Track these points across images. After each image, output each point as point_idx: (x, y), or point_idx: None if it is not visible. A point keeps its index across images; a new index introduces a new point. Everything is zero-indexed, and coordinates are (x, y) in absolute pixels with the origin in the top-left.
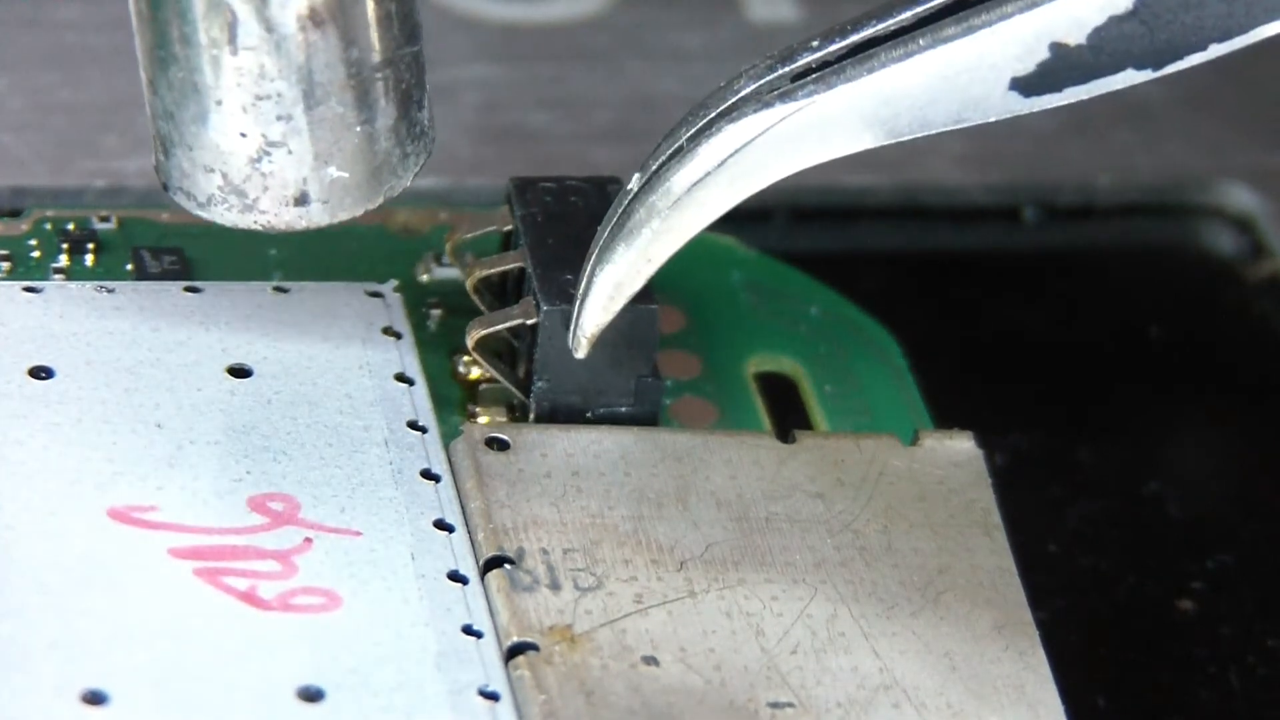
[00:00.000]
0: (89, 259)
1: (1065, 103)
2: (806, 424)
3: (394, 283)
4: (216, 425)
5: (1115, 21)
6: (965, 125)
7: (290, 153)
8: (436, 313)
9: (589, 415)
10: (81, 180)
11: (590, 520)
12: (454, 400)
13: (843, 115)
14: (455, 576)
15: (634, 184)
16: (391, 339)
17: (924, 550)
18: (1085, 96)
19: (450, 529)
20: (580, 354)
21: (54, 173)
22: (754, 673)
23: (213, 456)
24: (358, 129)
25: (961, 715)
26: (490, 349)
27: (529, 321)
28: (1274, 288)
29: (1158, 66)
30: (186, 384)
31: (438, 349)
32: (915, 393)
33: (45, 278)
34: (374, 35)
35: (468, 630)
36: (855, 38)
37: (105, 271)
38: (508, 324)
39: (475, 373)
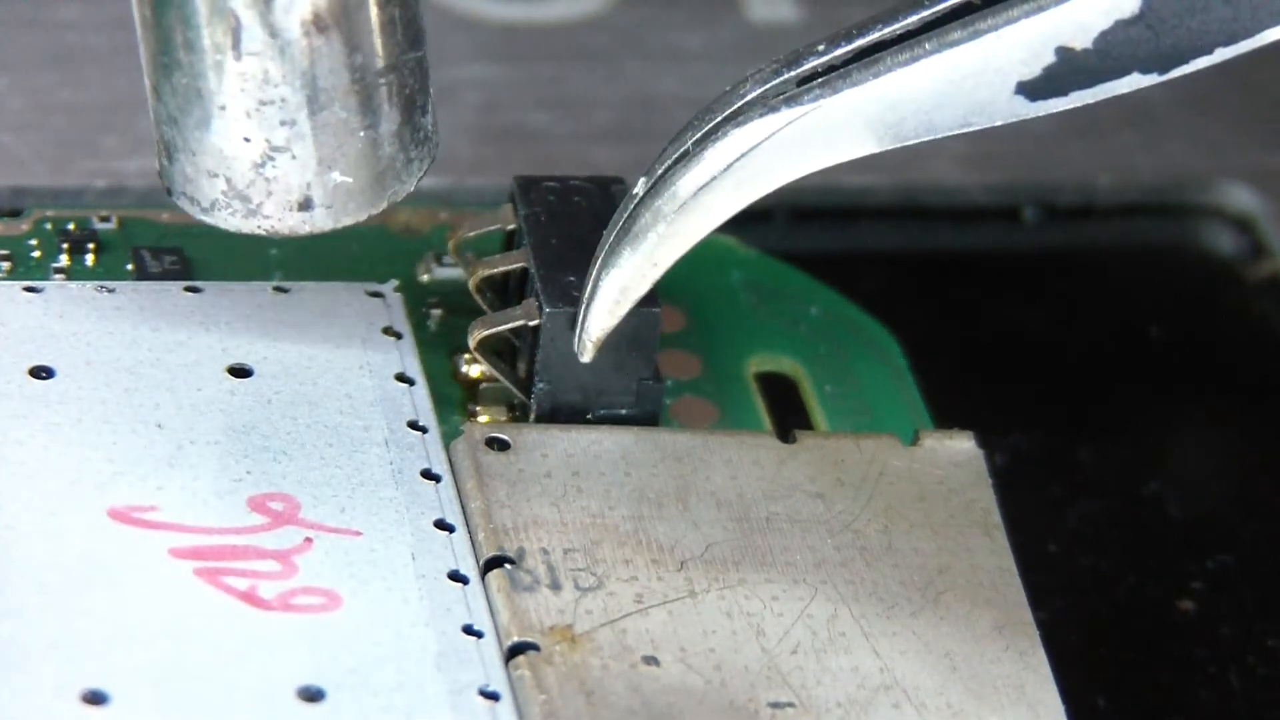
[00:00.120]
0: (89, 259)
1: (1071, 107)
2: (807, 424)
3: (394, 283)
4: (216, 425)
5: (1121, 26)
6: (971, 129)
7: (294, 158)
8: (437, 313)
9: (589, 417)
10: (81, 180)
11: (591, 520)
12: (454, 400)
13: (848, 120)
14: (455, 576)
15: (639, 188)
16: (392, 339)
17: (924, 550)
18: (1091, 100)
19: (450, 529)
20: (585, 358)
21: (54, 173)
22: (754, 673)
23: (213, 456)
24: (361, 134)
25: (961, 715)
26: (491, 348)
27: (531, 323)
28: (1274, 288)
29: (1163, 70)
30: (186, 384)
31: (438, 349)
32: (915, 393)
33: (45, 278)
34: (378, 40)
35: (468, 630)
36: (861, 42)
37: (105, 271)
38: (510, 325)
39: (476, 371)
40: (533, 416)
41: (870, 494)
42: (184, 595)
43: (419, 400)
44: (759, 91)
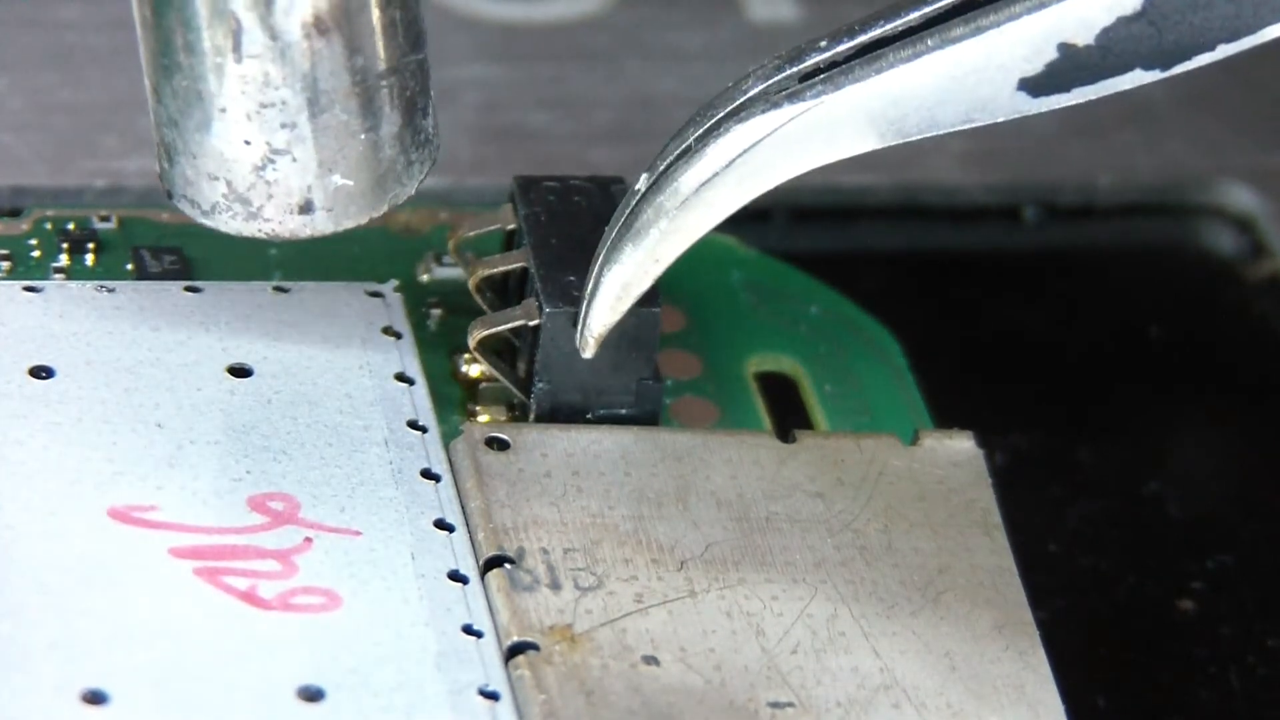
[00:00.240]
0: (89, 259)
1: (1073, 103)
2: (806, 424)
3: (394, 283)
4: (216, 425)
5: (1123, 22)
6: (973, 126)
7: (295, 160)
8: (437, 312)
9: (589, 417)
10: (81, 180)
11: (590, 520)
12: (454, 400)
13: (851, 116)
14: (455, 576)
15: (641, 184)
16: (391, 339)
17: (924, 550)
18: (1094, 97)
19: (450, 528)
20: (588, 354)
21: (54, 173)
22: (754, 672)
23: (213, 456)
24: (362, 137)
25: (961, 715)
26: (491, 348)
27: (531, 323)
28: (1274, 288)
29: (1166, 67)
30: (186, 384)
31: (438, 349)
32: (915, 393)
33: (45, 277)
34: (379, 43)
35: (468, 630)
36: (863, 38)
37: (105, 271)
38: (510, 325)
39: (476, 371)
40: (532, 416)
41: (870, 494)
42: (184, 595)
43: (419, 400)
44: (761, 88)
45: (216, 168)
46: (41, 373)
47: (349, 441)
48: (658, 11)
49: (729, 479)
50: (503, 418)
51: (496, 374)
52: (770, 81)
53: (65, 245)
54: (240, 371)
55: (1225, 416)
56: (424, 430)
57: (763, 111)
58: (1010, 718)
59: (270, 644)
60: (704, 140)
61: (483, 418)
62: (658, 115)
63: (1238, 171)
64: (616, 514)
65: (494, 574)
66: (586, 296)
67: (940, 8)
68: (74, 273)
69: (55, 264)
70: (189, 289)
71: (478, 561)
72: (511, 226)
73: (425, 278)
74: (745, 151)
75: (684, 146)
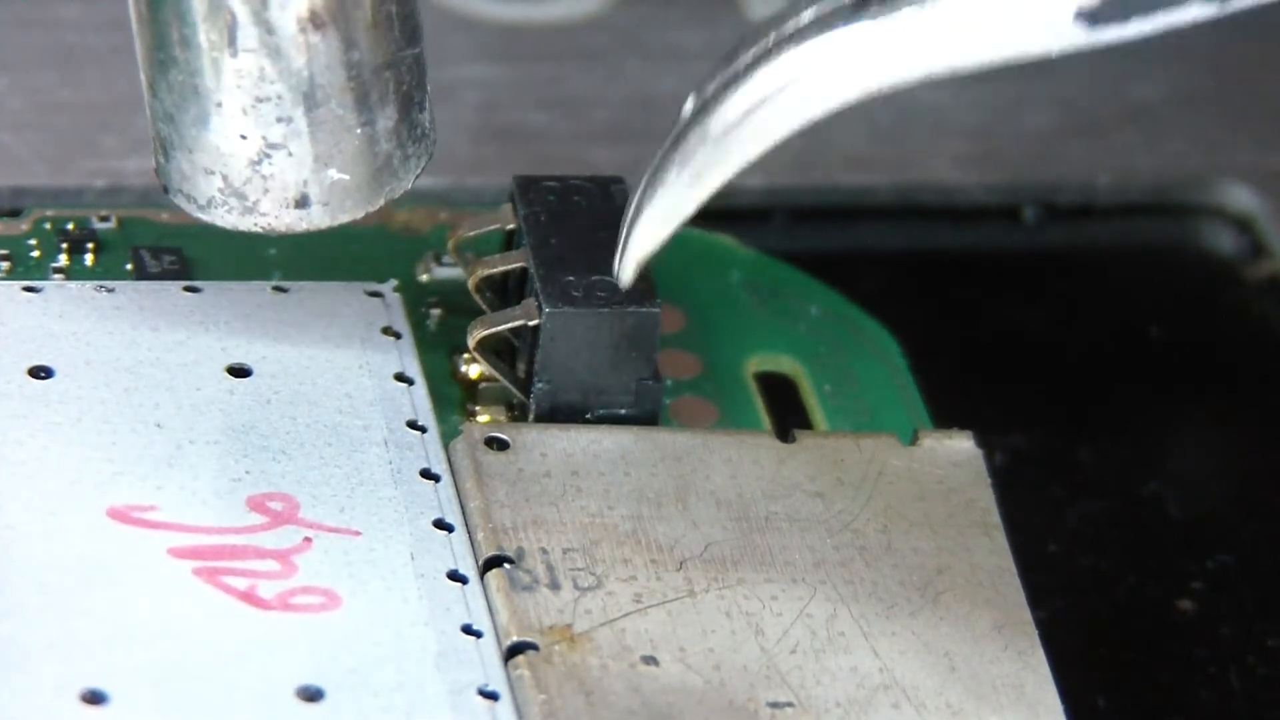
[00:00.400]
0: (89, 259)
1: (1130, 37)
2: (806, 424)
3: (394, 283)
4: (216, 425)
5: None
6: (1027, 58)
7: (290, 155)
8: (436, 312)
9: (589, 416)
10: (81, 180)
11: (590, 520)
12: (454, 400)
13: (905, 42)
14: (455, 576)
15: (689, 108)
16: (391, 339)
17: (923, 550)
18: (1150, 31)
19: (450, 528)
20: (626, 280)
21: (54, 173)
22: (753, 672)
23: (212, 456)
24: (358, 131)
25: (961, 715)
26: (490, 348)
27: (531, 323)
28: (1274, 288)
29: (1224, 1)
30: (186, 384)
31: (437, 349)
32: (915, 393)
33: (45, 277)
34: (374, 37)
35: (467, 630)
36: None
37: (105, 271)
38: (509, 324)
39: (475, 371)
40: (532, 416)
41: (870, 494)
42: (183, 595)
43: (418, 400)
44: (814, 12)
45: (212, 162)
46: (41, 373)
47: (348, 441)
48: (657, 11)
49: (728, 479)
50: (502, 418)
51: (496, 374)
52: (824, 6)
53: (65, 245)
54: (240, 371)
55: (1225, 416)
56: (423, 430)
57: (815, 35)
58: (1010, 718)
59: (270, 644)
60: (754, 65)
61: (482, 418)
62: (658, 115)
63: (1238, 172)
64: (616, 514)
65: (493, 574)
66: (627, 222)
67: None
68: (73, 273)
69: (55, 264)
70: (188, 289)
71: (477, 561)
72: (511, 226)
73: (425, 278)
74: (795, 78)
75: (733, 70)
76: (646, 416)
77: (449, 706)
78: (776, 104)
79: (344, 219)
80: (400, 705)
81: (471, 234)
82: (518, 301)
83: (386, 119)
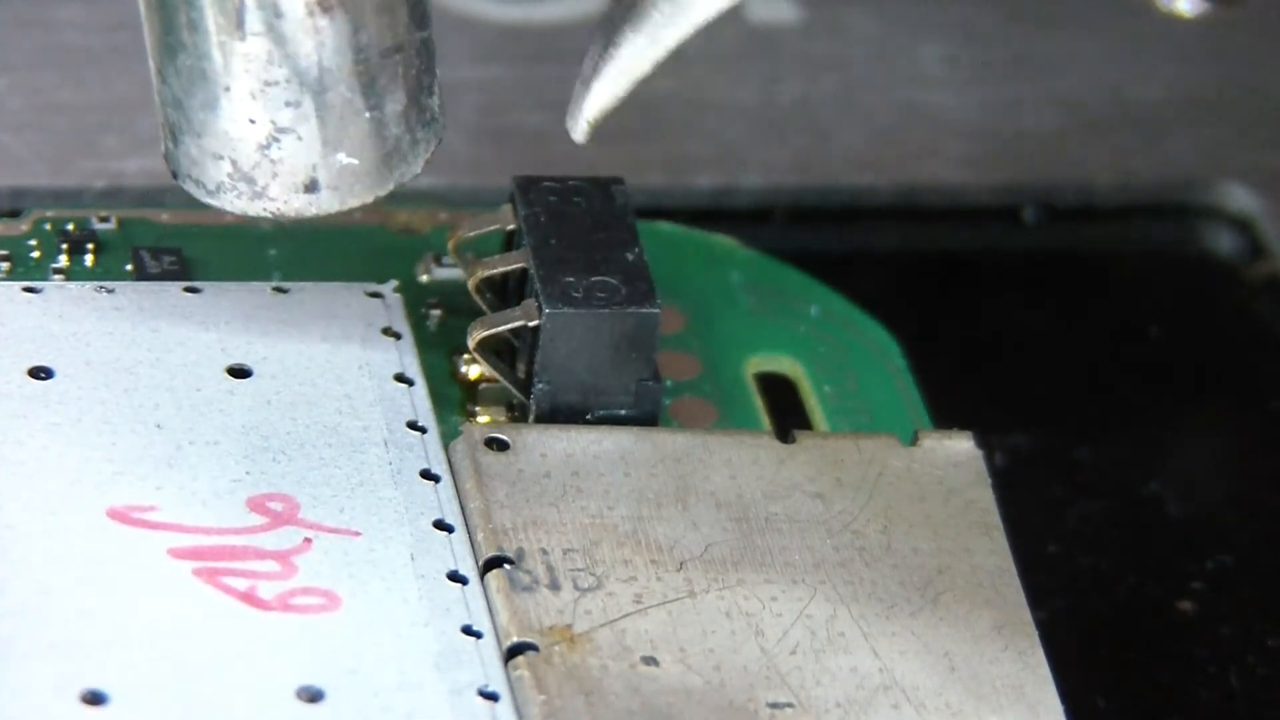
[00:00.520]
0: (88, 259)
1: None
2: (806, 424)
3: (394, 283)
4: (216, 425)
5: None
6: None
7: (299, 139)
8: (436, 313)
9: (589, 417)
10: (81, 180)
11: (590, 520)
12: (454, 400)
13: None
14: (455, 577)
15: None
16: (391, 339)
17: (923, 550)
18: None
19: (450, 529)
20: (580, 138)
21: (54, 173)
22: (753, 673)
23: (212, 456)
24: (367, 115)
25: (961, 715)
26: (490, 348)
27: (531, 323)
28: (1274, 288)
29: None
30: (186, 384)
31: (437, 349)
32: (915, 393)
33: (45, 278)
34: (383, 20)
35: (467, 630)
36: None
37: (105, 272)
38: (509, 325)
39: (475, 372)
40: (532, 417)
41: (869, 494)
42: (183, 595)
43: (418, 400)
44: None
45: (221, 147)
46: (41, 373)
47: (348, 442)
48: None
49: (728, 479)
50: (502, 418)
51: (496, 374)
52: None
53: (65, 246)
54: (240, 372)
55: (1225, 416)
56: (423, 431)
57: None
58: (1010, 718)
59: (270, 644)
60: None
61: (482, 418)
62: (658, 115)
63: (1238, 172)
64: (616, 514)
65: (493, 574)
66: (583, 79)
67: None
68: (73, 273)
69: (55, 265)
70: (188, 289)
71: (477, 562)
72: (511, 227)
73: (425, 278)
74: None
75: None
76: (646, 417)
77: (449, 707)
78: None
79: (353, 203)
80: (400, 705)
81: (471, 234)
82: (518, 302)
83: (395, 103)
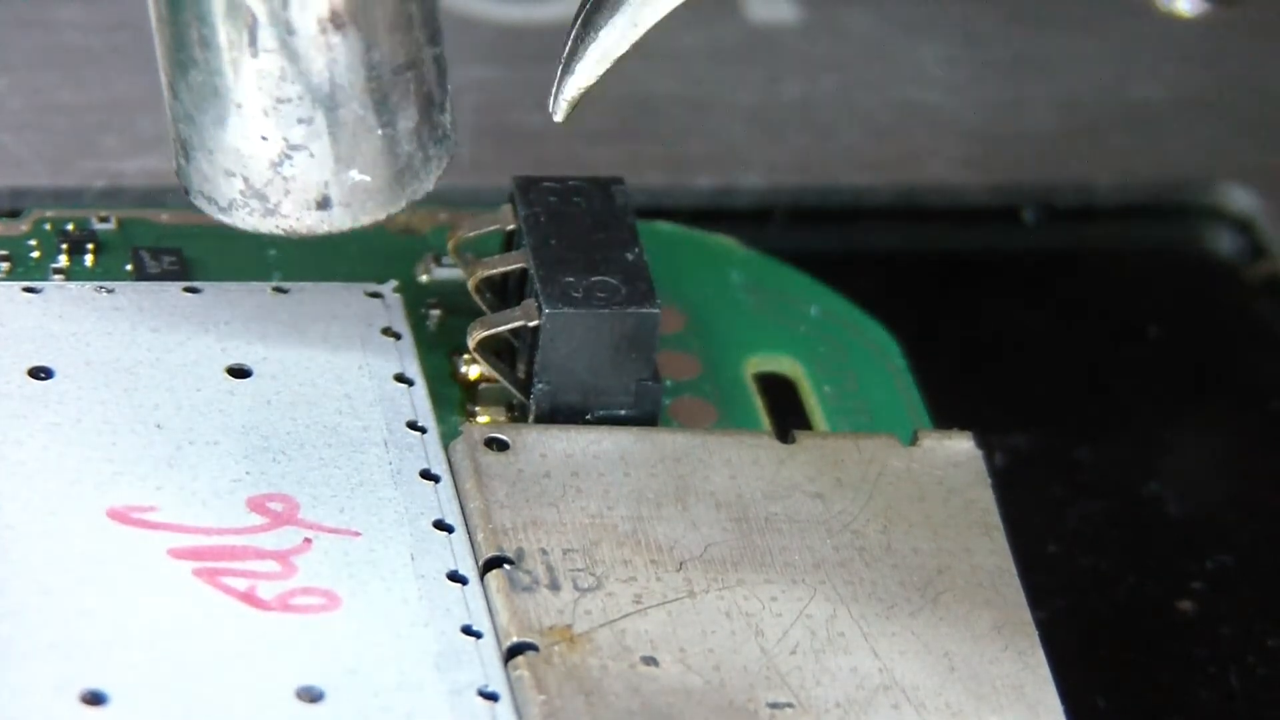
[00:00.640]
0: (88, 259)
1: None
2: (806, 424)
3: (394, 283)
4: (216, 425)
5: None
6: None
7: (312, 156)
8: (436, 313)
9: (589, 417)
10: (81, 180)
11: (590, 520)
12: (453, 400)
13: None
14: (455, 577)
15: None
16: (391, 339)
17: (923, 550)
18: None
19: (450, 529)
20: (559, 117)
21: (54, 173)
22: (753, 673)
23: (212, 457)
24: (379, 132)
25: (961, 715)
26: (490, 348)
27: (530, 323)
28: (1274, 288)
29: None
30: (186, 384)
31: (437, 349)
32: (915, 393)
33: (45, 278)
34: (396, 38)
35: (467, 630)
36: None
37: (105, 272)
38: (509, 325)
39: (475, 372)
40: (532, 417)
41: (869, 494)
42: (183, 595)
43: (418, 401)
44: None
45: (233, 164)
46: (41, 373)
47: (348, 442)
48: None
49: (728, 480)
50: (502, 418)
51: (496, 375)
52: None
53: (64, 246)
54: (239, 372)
55: (1225, 416)
56: (423, 431)
57: None
58: (1009, 718)
59: (270, 644)
60: None
61: (482, 418)
62: (658, 115)
63: (1238, 172)
64: (616, 514)
65: (493, 575)
66: (563, 60)
67: None
68: (73, 273)
69: (54, 265)
70: (188, 290)
71: (477, 562)
72: (511, 227)
73: (425, 278)
74: None
75: None
76: (646, 417)
77: (449, 707)
78: None
79: (365, 220)
80: (400, 706)
81: (471, 234)
82: (518, 302)
83: (407, 120)
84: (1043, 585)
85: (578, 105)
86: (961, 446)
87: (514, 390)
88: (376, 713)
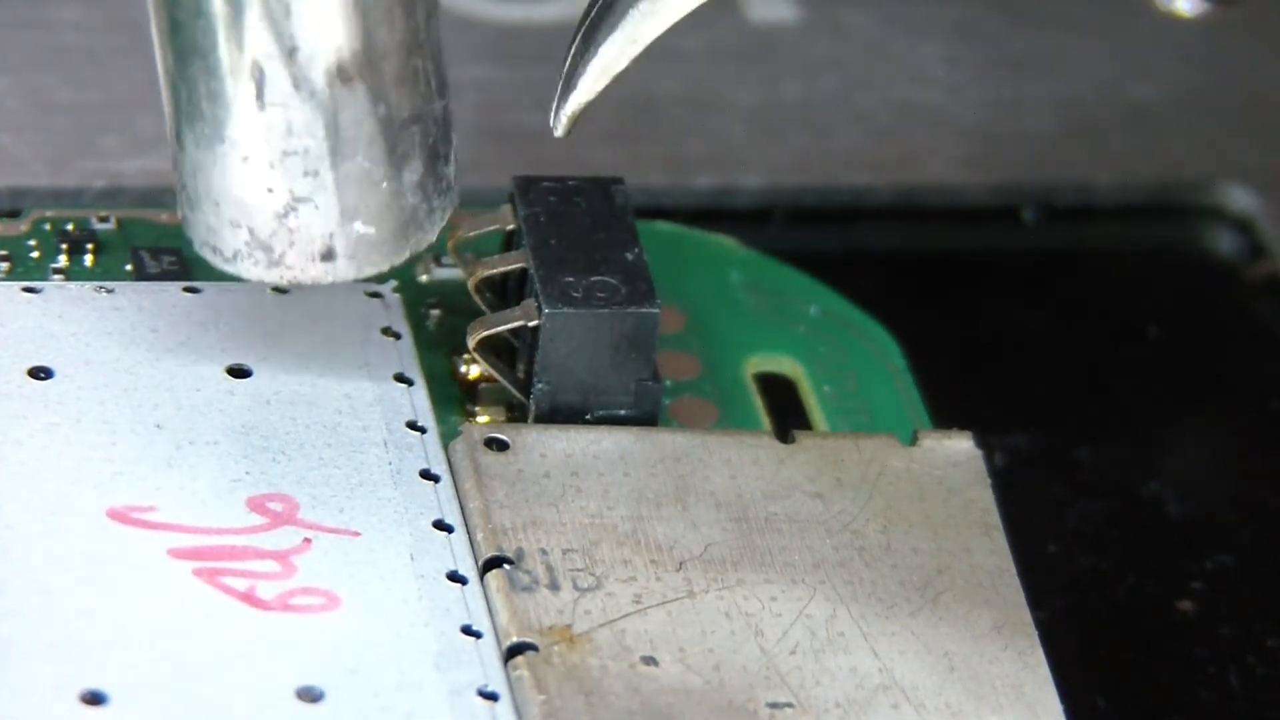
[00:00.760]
0: (88, 259)
1: None
2: (806, 424)
3: (393, 283)
4: (216, 425)
5: None
6: None
7: (317, 208)
8: (436, 313)
9: (588, 417)
10: (81, 180)
11: (589, 520)
12: (453, 400)
13: None
14: (454, 577)
15: None
16: (391, 339)
17: (923, 550)
18: None
19: (449, 529)
20: (560, 133)
21: (53, 173)
22: (753, 673)
23: (212, 457)
24: (384, 185)
25: (960, 715)
26: (490, 348)
27: (530, 323)
28: (1274, 288)
29: None
30: (186, 384)
31: (437, 349)
32: (915, 393)
33: (44, 278)
34: (402, 91)
35: (467, 630)
36: None
37: (104, 272)
38: (509, 325)
39: (475, 372)
40: (531, 417)
41: (869, 494)
42: (183, 595)
43: (418, 401)
44: None
45: (239, 215)
46: (40, 373)
47: (348, 442)
48: None
49: (728, 479)
50: (502, 418)
51: (495, 375)
52: None
53: (64, 246)
54: (239, 372)
55: (1225, 416)
56: (423, 431)
57: None
58: (1009, 718)
59: (269, 644)
60: None
61: (482, 418)
62: (658, 115)
63: (1238, 172)
64: (615, 514)
65: (493, 575)
66: (564, 76)
67: None
68: (73, 273)
69: (54, 265)
70: (188, 289)
71: (477, 562)
72: (511, 227)
73: (425, 278)
74: None
75: None
76: (646, 417)
77: (449, 707)
78: None
79: (369, 271)
80: (400, 705)
81: (471, 234)
82: (517, 302)
83: (412, 172)
84: (1043, 585)
85: (578, 121)
86: (961, 446)
87: (514, 390)
88: (376, 713)
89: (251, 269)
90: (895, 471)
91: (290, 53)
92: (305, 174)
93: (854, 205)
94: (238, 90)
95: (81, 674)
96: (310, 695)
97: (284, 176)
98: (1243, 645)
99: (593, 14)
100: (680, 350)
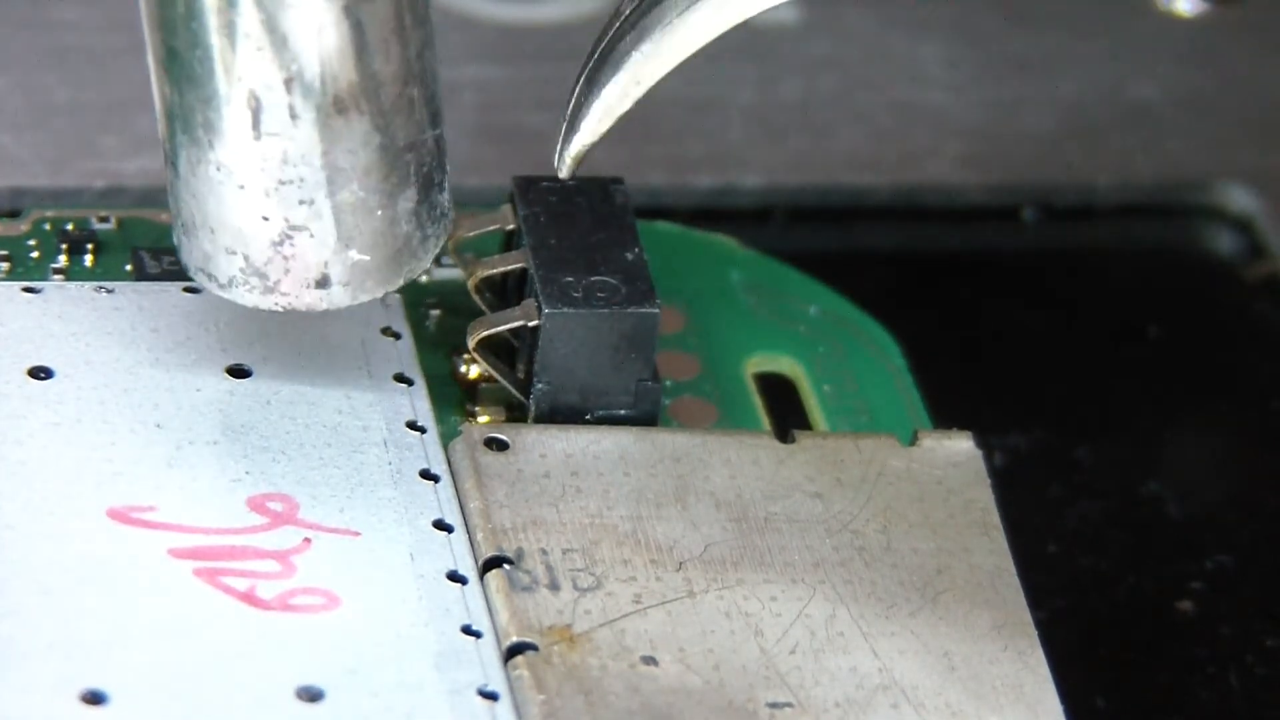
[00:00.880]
0: (88, 259)
1: None
2: (805, 424)
3: None
4: (215, 425)
5: None
6: None
7: (312, 236)
8: (436, 313)
9: (588, 417)
10: (81, 181)
11: (589, 520)
12: (453, 400)
13: None
14: (454, 576)
15: (626, 4)
16: (391, 339)
17: (923, 550)
18: None
19: (449, 529)
20: (564, 174)
21: (53, 173)
22: (753, 673)
23: (212, 456)
24: (379, 213)
25: (960, 715)
26: (490, 348)
27: (530, 323)
28: (1274, 288)
29: None
30: (185, 384)
31: (437, 349)
32: (914, 393)
33: (44, 278)
34: (397, 120)
35: (467, 630)
36: None
37: (104, 272)
38: (509, 325)
39: (475, 372)
40: (531, 417)
41: (869, 494)
42: (183, 595)
43: (418, 400)
44: None
45: (234, 242)
46: (40, 373)
47: (348, 442)
48: None
49: (728, 479)
50: (502, 418)
51: (495, 375)
52: None
53: (64, 246)
54: (239, 372)
55: (1225, 416)
56: (423, 431)
57: None
58: (1009, 718)
59: (270, 644)
60: None
61: (482, 418)
62: (658, 115)
63: (1238, 172)
64: (615, 514)
65: (493, 574)
66: (567, 118)
67: None
68: (73, 273)
69: (54, 265)
70: (188, 289)
71: (477, 562)
72: (511, 227)
73: (425, 278)
74: None
75: None
76: (646, 417)
77: (449, 707)
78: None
79: (364, 299)
80: (400, 705)
81: (471, 234)
82: (517, 302)
83: (407, 200)
84: (1043, 585)
85: (582, 162)
86: (961, 446)
87: (514, 390)
88: (376, 712)
89: (246, 296)
90: (895, 471)
91: (287, 83)
92: (301, 202)
93: (854, 205)
94: (234, 119)
95: (81, 674)
96: (310, 695)
97: (280, 205)
98: (1242, 645)
99: (596, 55)
100: (680, 350)
